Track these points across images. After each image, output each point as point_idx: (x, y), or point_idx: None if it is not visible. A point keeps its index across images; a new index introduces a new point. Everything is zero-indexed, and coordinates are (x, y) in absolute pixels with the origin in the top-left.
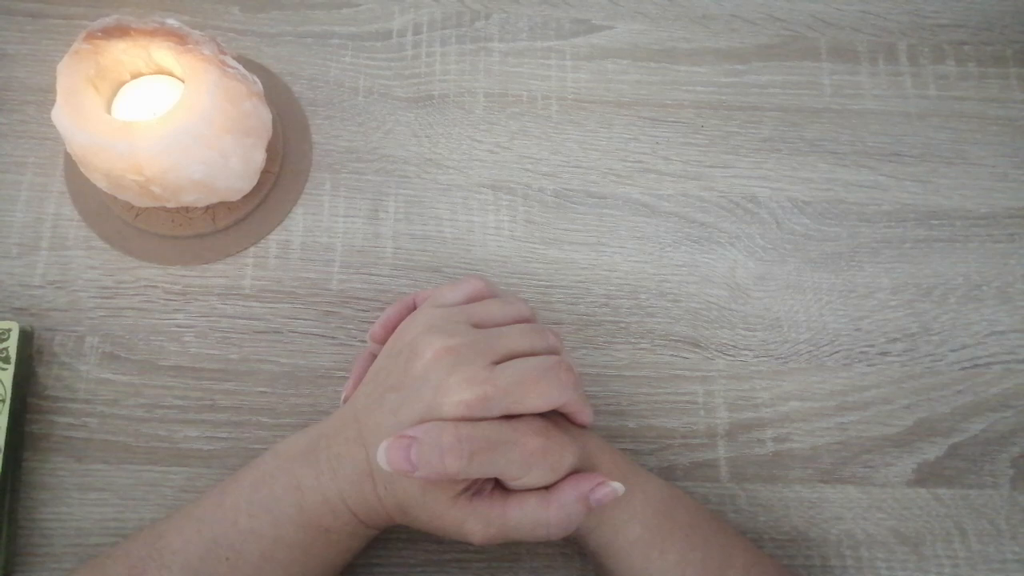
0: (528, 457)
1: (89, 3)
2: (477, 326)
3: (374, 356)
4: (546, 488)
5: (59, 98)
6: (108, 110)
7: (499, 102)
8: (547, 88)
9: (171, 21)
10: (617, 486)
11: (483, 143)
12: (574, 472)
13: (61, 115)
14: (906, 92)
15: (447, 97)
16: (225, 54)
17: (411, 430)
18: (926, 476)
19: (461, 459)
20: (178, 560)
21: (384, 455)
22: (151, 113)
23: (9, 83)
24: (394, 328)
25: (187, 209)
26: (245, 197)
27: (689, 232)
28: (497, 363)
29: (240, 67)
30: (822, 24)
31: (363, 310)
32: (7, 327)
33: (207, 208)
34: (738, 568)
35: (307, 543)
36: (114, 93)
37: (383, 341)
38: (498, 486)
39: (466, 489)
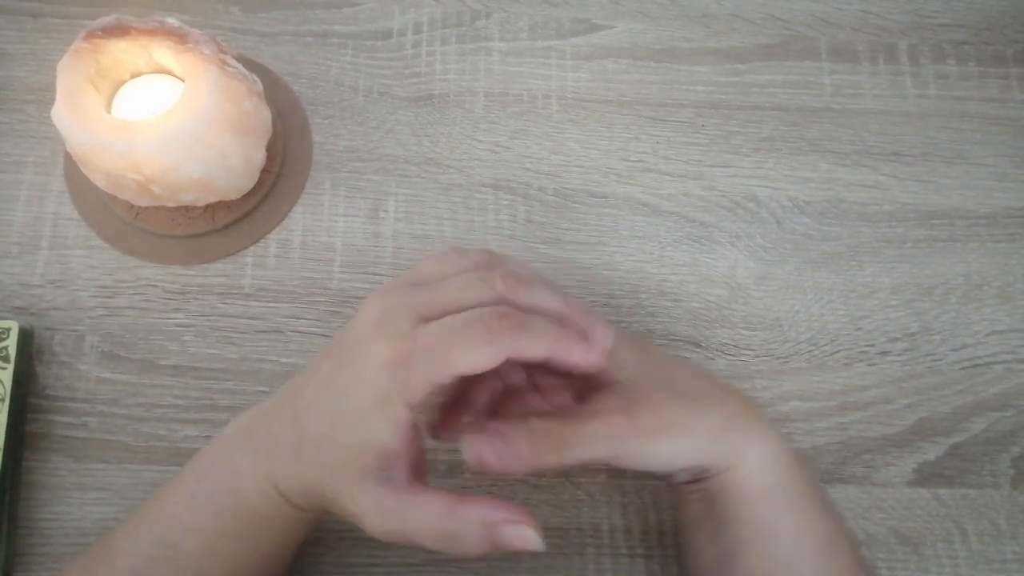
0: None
1: (89, 2)
2: (424, 283)
3: None
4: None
5: (59, 97)
6: (108, 109)
7: (499, 101)
8: (547, 88)
9: (171, 20)
10: (532, 539)
11: (483, 142)
12: (487, 497)
13: (61, 114)
14: (906, 92)
15: (447, 96)
16: (225, 53)
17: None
18: (926, 476)
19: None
20: (127, 562)
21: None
22: (151, 112)
23: (9, 82)
24: None
25: (187, 208)
26: (245, 196)
27: (690, 232)
28: (430, 320)
29: (240, 66)
30: (822, 24)
31: None
32: (7, 326)
33: (207, 207)
34: (846, 537)
35: (247, 534)
36: (114, 92)
37: None
38: (416, 480)
39: (381, 469)
